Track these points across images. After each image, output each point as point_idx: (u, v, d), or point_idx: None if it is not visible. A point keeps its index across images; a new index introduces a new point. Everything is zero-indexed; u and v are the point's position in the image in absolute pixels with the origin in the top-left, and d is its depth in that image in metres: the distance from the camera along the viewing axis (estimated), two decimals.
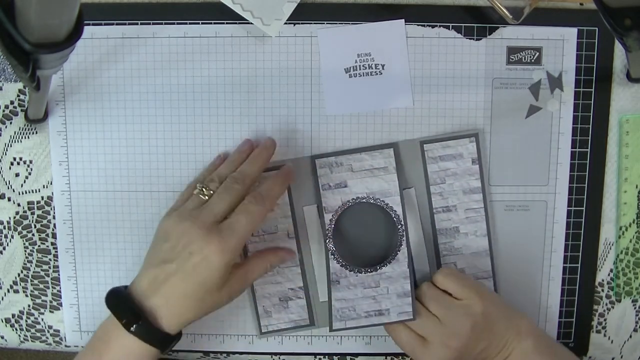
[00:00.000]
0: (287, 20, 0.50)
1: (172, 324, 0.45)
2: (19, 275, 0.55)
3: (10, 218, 0.54)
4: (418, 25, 0.51)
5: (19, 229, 0.54)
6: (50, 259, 0.54)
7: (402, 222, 0.52)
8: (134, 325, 0.43)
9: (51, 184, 0.53)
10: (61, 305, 0.55)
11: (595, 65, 0.52)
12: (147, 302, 0.44)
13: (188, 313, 0.45)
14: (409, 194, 0.52)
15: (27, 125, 0.53)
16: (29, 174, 0.53)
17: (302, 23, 0.51)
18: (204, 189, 0.47)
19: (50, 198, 0.54)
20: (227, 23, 0.51)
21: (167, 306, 0.44)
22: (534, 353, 0.48)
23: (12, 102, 0.53)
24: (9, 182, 0.54)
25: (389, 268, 0.52)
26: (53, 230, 0.54)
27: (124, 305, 0.44)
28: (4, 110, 0.53)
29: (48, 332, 0.55)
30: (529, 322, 0.50)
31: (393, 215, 0.52)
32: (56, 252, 0.54)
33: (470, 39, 0.51)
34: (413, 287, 0.52)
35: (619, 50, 0.51)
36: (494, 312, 0.49)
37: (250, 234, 0.46)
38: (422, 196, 0.52)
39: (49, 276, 0.55)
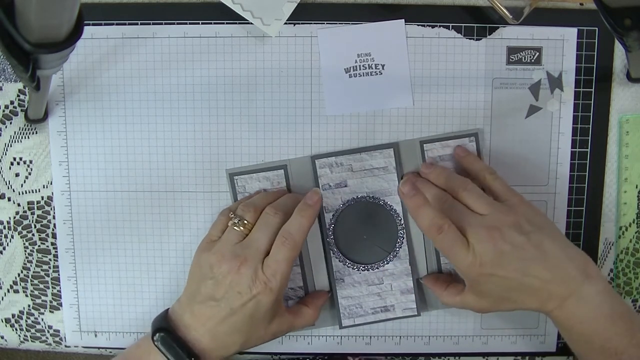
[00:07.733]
0: (287, 20, 0.50)
1: (215, 357, 0.46)
2: (19, 275, 0.55)
3: (10, 218, 0.54)
4: (418, 25, 0.51)
5: (19, 229, 0.54)
6: (50, 259, 0.54)
7: (403, 220, 0.52)
8: None
9: (51, 184, 0.53)
10: (61, 305, 0.55)
11: (595, 65, 0.52)
12: (190, 334, 0.45)
13: (233, 346, 0.46)
14: None
15: (27, 125, 0.53)
16: (29, 174, 0.53)
17: (302, 23, 0.51)
18: (240, 221, 0.47)
19: (50, 198, 0.54)
20: (227, 23, 0.51)
21: (214, 341, 0.45)
22: (607, 294, 0.42)
23: (12, 102, 0.53)
24: (9, 182, 0.54)
25: (391, 265, 0.52)
26: (53, 230, 0.54)
27: (179, 345, 0.45)
28: (4, 110, 0.53)
29: (48, 332, 0.55)
30: (596, 267, 0.44)
31: (393, 214, 0.52)
32: (56, 252, 0.54)
33: (470, 39, 0.51)
34: (415, 284, 0.52)
35: (619, 50, 0.51)
36: (554, 234, 0.44)
37: (291, 268, 0.46)
38: None
39: (49, 276, 0.55)
